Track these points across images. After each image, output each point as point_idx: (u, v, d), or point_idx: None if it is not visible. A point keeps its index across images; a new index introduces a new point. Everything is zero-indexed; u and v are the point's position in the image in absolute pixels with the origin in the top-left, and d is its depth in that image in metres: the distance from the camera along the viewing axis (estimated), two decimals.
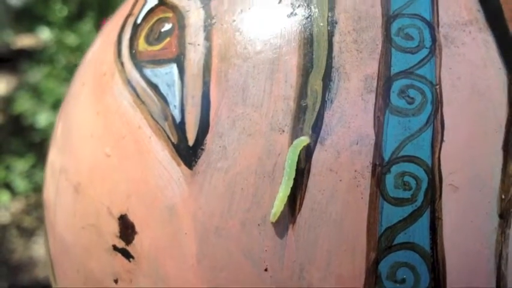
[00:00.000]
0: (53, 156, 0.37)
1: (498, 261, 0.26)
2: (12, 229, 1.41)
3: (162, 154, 0.29)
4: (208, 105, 0.29)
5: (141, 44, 0.32)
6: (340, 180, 0.26)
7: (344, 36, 0.28)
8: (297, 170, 0.26)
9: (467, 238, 0.26)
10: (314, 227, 0.26)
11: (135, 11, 0.34)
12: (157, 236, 0.29)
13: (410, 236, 0.26)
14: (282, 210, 0.26)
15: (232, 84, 0.28)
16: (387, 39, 0.28)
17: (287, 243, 0.27)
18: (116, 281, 0.30)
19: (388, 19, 0.28)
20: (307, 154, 0.27)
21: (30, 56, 1.71)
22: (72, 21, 1.53)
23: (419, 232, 0.26)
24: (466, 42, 0.28)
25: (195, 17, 0.31)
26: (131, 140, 0.30)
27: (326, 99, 0.27)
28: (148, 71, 0.31)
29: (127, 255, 0.30)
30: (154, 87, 0.30)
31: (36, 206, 1.46)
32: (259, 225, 0.27)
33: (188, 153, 0.29)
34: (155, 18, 0.32)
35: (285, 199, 0.26)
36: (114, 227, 0.30)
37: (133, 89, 0.31)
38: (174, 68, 0.30)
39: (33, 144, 1.48)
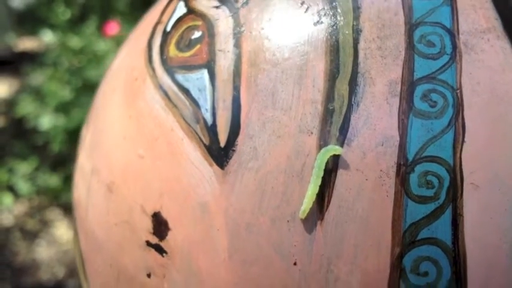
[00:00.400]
0: (83, 160, 0.39)
1: None
2: (16, 232, 1.41)
3: (194, 155, 0.31)
4: (239, 108, 0.30)
5: (172, 51, 0.33)
6: (366, 180, 0.28)
7: (369, 43, 0.30)
8: (325, 170, 0.28)
9: (487, 234, 0.27)
10: (341, 223, 0.28)
11: (164, 19, 0.36)
12: (190, 232, 0.30)
13: (433, 232, 0.27)
14: (311, 207, 0.28)
15: (261, 89, 0.30)
16: (410, 46, 0.29)
17: (315, 239, 0.28)
18: (149, 275, 0.32)
19: (411, 27, 0.30)
20: (334, 154, 0.28)
21: (33, 58, 1.71)
22: (74, 24, 1.54)
23: (441, 228, 0.27)
24: (485, 49, 0.29)
25: (224, 25, 0.32)
26: (164, 141, 0.32)
27: (352, 102, 0.29)
28: (179, 76, 0.32)
29: (160, 250, 0.31)
30: (186, 91, 0.32)
31: (39, 209, 1.47)
32: (288, 221, 0.28)
33: (220, 154, 0.30)
34: (185, 26, 0.34)
35: (314, 197, 0.28)
36: (147, 224, 0.32)
37: (165, 93, 0.32)
38: (205, 73, 0.32)
39: (36, 147, 1.49)
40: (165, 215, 0.31)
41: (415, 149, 0.28)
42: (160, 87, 0.33)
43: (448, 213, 0.27)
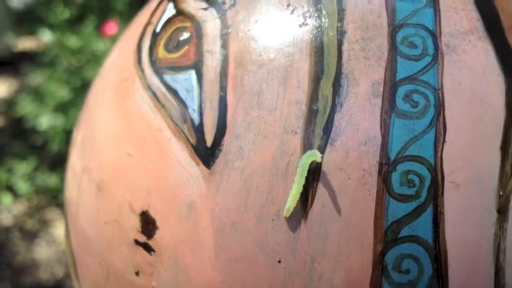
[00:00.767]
0: (74, 160, 0.39)
1: (496, 253, 0.28)
2: (15, 231, 1.41)
3: (181, 154, 0.31)
4: (225, 108, 0.31)
5: (161, 52, 0.34)
6: (349, 178, 0.28)
7: (352, 44, 0.30)
8: (308, 169, 0.28)
9: (468, 232, 0.28)
10: (325, 222, 0.28)
11: (154, 20, 0.36)
12: (177, 231, 0.31)
13: (415, 230, 0.28)
14: (295, 206, 0.28)
15: (247, 89, 0.30)
16: (393, 47, 0.30)
17: (299, 237, 0.28)
18: (137, 273, 0.32)
19: (394, 29, 0.30)
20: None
21: (32, 58, 1.71)
22: (73, 24, 1.53)
23: (422, 226, 0.28)
24: (467, 50, 0.30)
25: (212, 27, 0.33)
26: (152, 141, 0.32)
27: (336, 103, 0.29)
28: (167, 77, 0.33)
29: (148, 248, 0.32)
30: (174, 92, 0.32)
31: (38, 209, 1.47)
32: (273, 220, 0.29)
33: (206, 153, 0.30)
34: (173, 27, 0.34)
35: (298, 196, 0.28)
36: (135, 222, 0.32)
37: (154, 93, 0.33)
38: (192, 74, 0.32)
39: (35, 146, 1.48)
40: (153, 213, 0.31)
41: (397, 148, 0.28)
42: (149, 88, 0.33)
43: (429, 212, 0.28)
